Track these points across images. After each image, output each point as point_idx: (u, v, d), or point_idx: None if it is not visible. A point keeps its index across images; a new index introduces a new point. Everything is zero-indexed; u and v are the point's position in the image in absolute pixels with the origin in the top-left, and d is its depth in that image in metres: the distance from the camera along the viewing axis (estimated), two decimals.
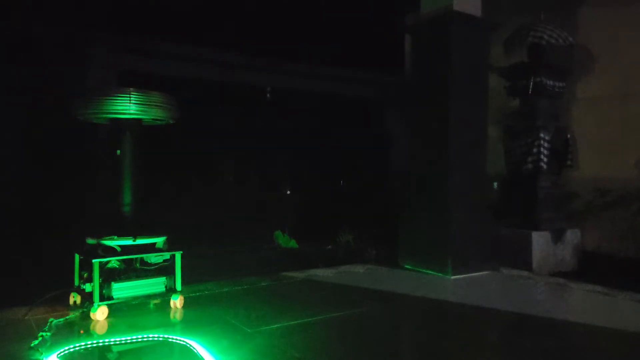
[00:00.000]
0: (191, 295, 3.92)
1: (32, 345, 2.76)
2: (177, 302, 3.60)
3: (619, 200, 5.75)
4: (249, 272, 4.84)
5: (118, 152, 3.61)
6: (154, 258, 3.57)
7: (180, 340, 2.92)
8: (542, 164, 5.48)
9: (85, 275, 3.47)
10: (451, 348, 3.00)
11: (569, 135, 5.71)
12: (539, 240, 5.28)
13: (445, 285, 4.50)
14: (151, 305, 3.63)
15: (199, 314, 3.50)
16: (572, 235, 5.58)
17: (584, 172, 6.00)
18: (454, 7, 4.86)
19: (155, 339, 2.96)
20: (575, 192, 5.87)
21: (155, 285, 3.56)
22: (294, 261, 5.59)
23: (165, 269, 3.61)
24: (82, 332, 3.11)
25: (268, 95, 8.00)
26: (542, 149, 5.47)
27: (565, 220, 5.65)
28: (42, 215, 5.42)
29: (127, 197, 3.63)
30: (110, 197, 3.65)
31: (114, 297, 3.37)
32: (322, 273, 4.89)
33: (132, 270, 3.52)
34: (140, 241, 3.51)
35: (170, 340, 2.95)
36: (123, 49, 6.30)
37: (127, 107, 3.44)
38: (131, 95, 3.44)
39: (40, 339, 2.84)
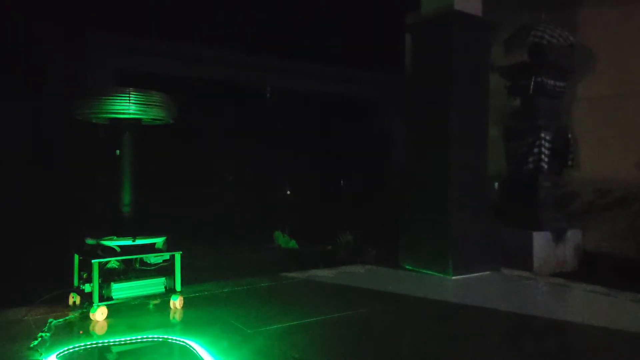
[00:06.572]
0: (191, 295, 3.91)
1: (31, 345, 2.75)
2: (176, 302, 3.59)
3: (620, 201, 5.74)
4: (249, 272, 4.83)
5: (117, 152, 3.61)
6: (153, 258, 3.56)
7: (179, 340, 2.91)
8: (543, 164, 5.46)
9: (85, 275, 3.46)
10: (452, 348, 2.99)
11: (569, 135, 5.70)
12: (540, 240, 5.26)
13: (446, 286, 4.49)
14: (151, 306, 3.62)
15: (198, 315, 3.49)
16: (573, 236, 5.57)
17: (585, 172, 5.99)
18: (454, 7, 4.84)
19: (155, 339, 2.95)
20: (576, 192, 5.85)
21: (154, 285, 3.55)
22: (294, 261, 5.58)
23: (165, 270, 3.60)
24: (81, 332, 3.10)
25: (268, 94, 7.99)
26: (542, 149, 5.46)
27: (566, 221, 5.64)
28: (42, 215, 5.42)
29: (127, 197, 3.61)
30: (109, 197, 3.64)
31: (114, 297, 3.36)
32: (323, 273, 4.88)
33: (131, 271, 3.51)
34: (139, 241, 3.50)
35: (170, 340, 2.94)
36: (122, 49, 6.29)
37: (127, 106, 3.43)
38: (130, 95, 3.43)
39: (39, 339, 2.83)
